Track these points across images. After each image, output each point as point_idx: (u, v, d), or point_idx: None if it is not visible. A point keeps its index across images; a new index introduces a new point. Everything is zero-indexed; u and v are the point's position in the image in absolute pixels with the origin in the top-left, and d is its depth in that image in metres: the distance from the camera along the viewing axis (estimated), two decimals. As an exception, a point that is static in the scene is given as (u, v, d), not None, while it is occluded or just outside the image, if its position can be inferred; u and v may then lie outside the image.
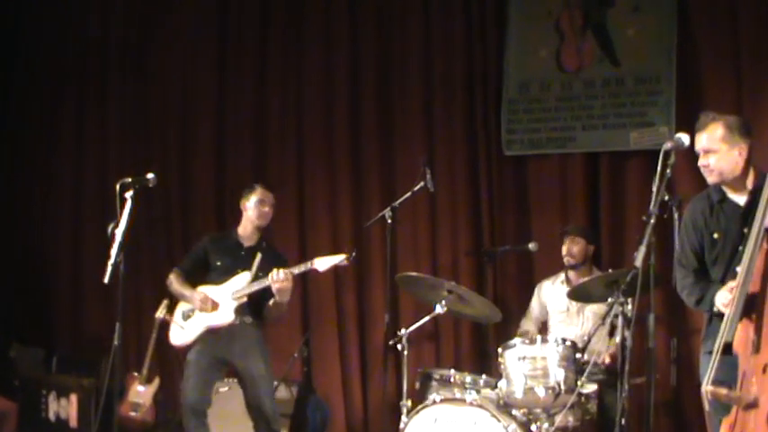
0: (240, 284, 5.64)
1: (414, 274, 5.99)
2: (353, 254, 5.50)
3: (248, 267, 5.68)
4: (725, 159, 4.07)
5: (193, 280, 5.85)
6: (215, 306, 5.64)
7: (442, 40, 7.07)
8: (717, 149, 4.07)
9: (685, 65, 6.31)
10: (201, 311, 5.67)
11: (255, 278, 5.61)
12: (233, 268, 5.73)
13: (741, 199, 4.13)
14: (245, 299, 5.62)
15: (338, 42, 7.40)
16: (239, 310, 5.62)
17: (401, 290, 6.48)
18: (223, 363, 5.78)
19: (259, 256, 5.71)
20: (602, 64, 6.58)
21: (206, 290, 5.73)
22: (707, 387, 3.61)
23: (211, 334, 5.66)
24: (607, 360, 5.70)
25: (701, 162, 4.12)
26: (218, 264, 5.80)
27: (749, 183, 4.12)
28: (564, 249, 6.10)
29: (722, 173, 4.09)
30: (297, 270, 5.48)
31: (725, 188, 4.18)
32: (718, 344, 3.63)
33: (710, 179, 4.14)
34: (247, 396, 5.74)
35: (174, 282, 5.85)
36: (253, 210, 5.78)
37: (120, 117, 8.15)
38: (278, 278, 5.40)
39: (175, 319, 5.87)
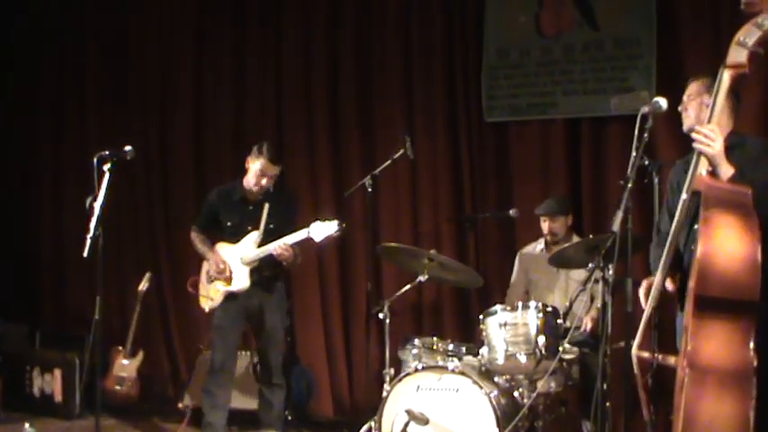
0: (249, 248, 5.76)
1: (394, 244, 5.99)
2: (344, 225, 5.50)
3: (257, 224, 5.79)
4: (701, 110, 4.11)
5: (212, 234, 6.04)
6: (230, 275, 5.80)
7: (421, 7, 7.00)
8: (697, 98, 4.13)
9: (665, 29, 6.28)
10: (217, 280, 5.85)
11: (265, 234, 5.74)
12: (243, 227, 5.85)
13: None
14: (256, 263, 5.74)
15: (316, 10, 7.33)
16: (253, 274, 5.77)
17: (383, 259, 6.48)
18: (244, 318, 5.92)
19: (266, 207, 5.80)
20: (582, 29, 6.54)
21: (223, 250, 5.89)
22: (633, 351, 3.82)
23: (231, 295, 5.83)
24: (589, 325, 5.72)
25: (680, 107, 4.17)
26: (228, 224, 5.93)
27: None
28: (545, 228, 6.10)
29: (696, 121, 4.10)
30: (291, 240, 5.55)
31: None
32: (647, 310, 3.83)
33: (685, 124, 4.16)
34: (258, 345, 5.97)
35: (196, 240, 6.08)
36: (252, 176, 5.83)
37: (99, 89, 8.09)
38: (277, 251, 5.56)
39: (201, 288, 6.05)
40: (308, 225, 5.56)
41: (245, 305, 5.85)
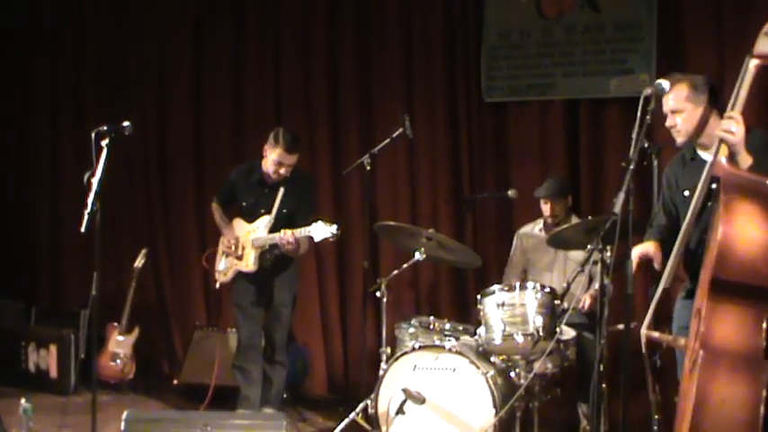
0: (260, 232, 5.83)
1: (392, 223, 5.99)
2: (340, 231, 5.52)
3: (270, 208, 5.85)
4: (690, 119, 4.14)
5: (232, 210, 6.18)
6: (241, 253, 5.89)
7: (422, -14, 6.99)
8: (682, 109, 4.13)
9: (666, 11, 6.26)
10: (229, 255, 5.96)
11: (277, 219, 5.82)
12: (257, 209, 5.93)
13: (710, 155, 4.14)
14: (266, 247, 5.81)
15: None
16: (263, 257, 5.83)
17: (381, 237, 6.47)
18: (261, 293, 5.97)
19: (281, 192, 5.86)
20: (583, 10, 6.52)
21: (238, 227, 6.03)
22: (643, 330, 3.85)
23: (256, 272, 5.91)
24: (588, 302, 5.70)
25: (668, 123, 4.18)
26: (244, 204, 6.03)
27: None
28: (546, 210, 6.08)
29: (688, 132, 4.15)
30: (297, 234, 5.60)
31: (697, 147, 4.24)
32: (658, 291, 3.87)
33: (678, 140, 4.20)
34: (265, 321, 6.00)
35: (215, 212, 6.22)
36: (270, 165, 5.88)
37: (97, 65, 8.06)
38: (282, 241, 5.62)
39: (216, 262, 6.15)
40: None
41: (256, 280, 5.92)
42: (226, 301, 7.30)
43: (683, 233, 3.81)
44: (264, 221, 5.84)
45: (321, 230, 5.47)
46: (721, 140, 3.71)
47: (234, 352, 6.21)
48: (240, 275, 5.96)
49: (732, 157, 3.71)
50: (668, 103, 4.14)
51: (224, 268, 6.06)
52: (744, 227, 3.43)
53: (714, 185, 3.73)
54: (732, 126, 3.68)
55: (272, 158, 5.82)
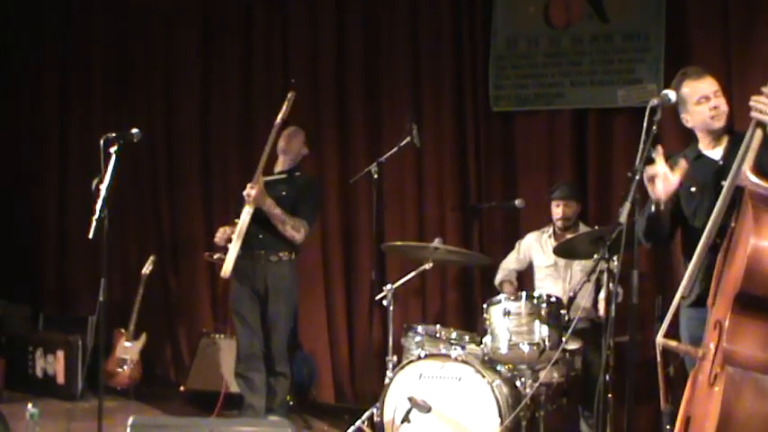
0: (240, 224, 5.69)
1: (399, 243, 5.99)
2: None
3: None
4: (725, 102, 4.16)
5: None
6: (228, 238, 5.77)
7: (430, -5, 7.01)
8: (721, 92, 4.14)
9: (674, 22, 6.27)
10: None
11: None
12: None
13: (716, 153, 4.18)
14: (239, 243, 5.64)
15: (325, -2, 7.34)
16: (240, 257, 5.67)
17: (388, 255, 6.48)
18: (256, 301, 5.91)
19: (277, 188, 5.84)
20: (591, 20, 6.53)
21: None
22: (659, 339, 3.74)
23: (243, 276, 5.83)
24: (602, 305, 5.61)
25: (713, 102, 4.13)
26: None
27: (724, 139, 4.19)
28: (558, 213, 6.06)
29: (726, 117, 4.14)
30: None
31: (701, 146, 4.23)
32: (676, 298, 3.76)
33: (719, 123, 4.15)
34: (263, 333, 5.91)
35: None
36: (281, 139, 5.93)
37: (105, 72, 8.09)
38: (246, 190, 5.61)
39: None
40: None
41: (253, 287, 5.88)
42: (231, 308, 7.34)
43: (704, 239, 3.73)
44: (245, 212, 5.71)
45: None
46: (749, 144, 3.64)
47: (235, 360, 6.18)
48: (238, 280, 5.88)
49: (765, 144, 3.66)
50: (710, 85, 4.14)
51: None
52: None
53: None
54: (765, 100, 3.62)
55: (285, 134, 5.97)
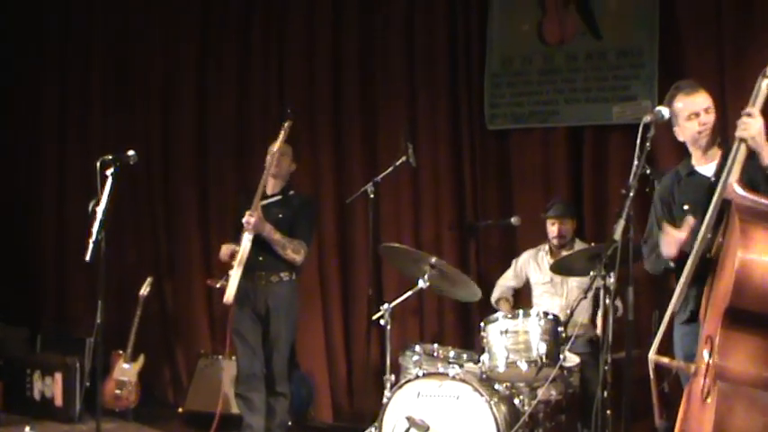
0: (242, 251, 5.66)
1: (397, 245, 5.98)
2: None
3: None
4: (714, 121, 4.16)
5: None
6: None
7: (425, 13, 7.01)
8: (712, 107, 4.15)
9: (667, 38, 6.28)
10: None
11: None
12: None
13: (709, 170, 4.18)
14: (241, 269, 5.61)
15: (321, 15, 7.34)
16: (242, 283, 5.64)
17: (385, 265, 6.48)
18: (259, 321, 5.89)
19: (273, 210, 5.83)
20: (585, 37, 6.55)
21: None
22: (651, 356, 3.72)
23: (245, 297, 5.78)
24: (600, 324, 5.59)
25: (703, 119, 4.13)
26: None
27: (717, 154, 4.18)
28: (554, 231, 6.07)
29: (712, 133, 4.15)
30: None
31: (693, 162, 4.24)
32: (667, 314, 3.76)
33: (704, 140, 4.16)
34: (264, 352, 5.89)
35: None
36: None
37: (103, 91, 8.11)
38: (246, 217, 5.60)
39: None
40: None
41: (254, 308, 5.87)
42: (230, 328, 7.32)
43: (693, 255, 3.73)
44: (245, 238, 5.69)
45: None
46: (734, 158, 3.67)
47: (235, 380, 6.15)
48: (240, 302, 5.82)
49: (758, 153, 3.68)
50: (702, 101, 4.14)
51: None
52: (762, 254, 3.36)
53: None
54: (746, 120, 3.66)
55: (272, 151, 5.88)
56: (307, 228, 5.95)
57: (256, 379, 5.89)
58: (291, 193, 6.02)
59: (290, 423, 6.31)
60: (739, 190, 3.62)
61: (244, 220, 5.61)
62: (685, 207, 4.15)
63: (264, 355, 5.90)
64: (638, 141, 3.76)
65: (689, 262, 3.73)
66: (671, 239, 3.98)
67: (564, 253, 5.97)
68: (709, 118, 4.15)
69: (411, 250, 5.91)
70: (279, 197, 5.97)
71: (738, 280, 3.35)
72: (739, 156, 3.66)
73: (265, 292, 5.84)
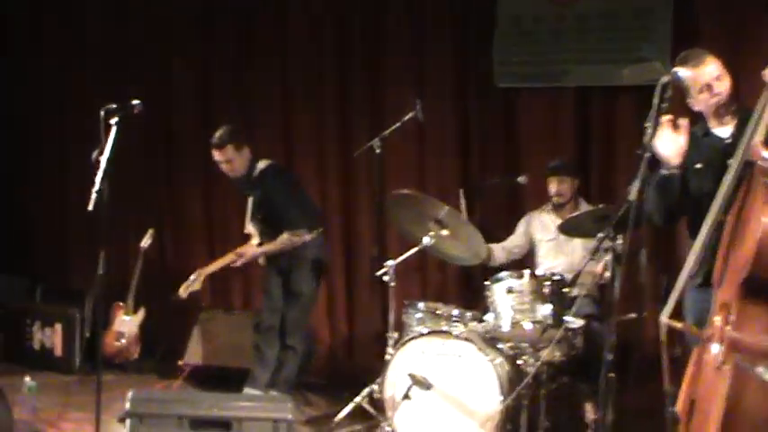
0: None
1: (407, 191, 5.79)
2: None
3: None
4: (728, 88, 4.10)
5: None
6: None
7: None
8: (725, 75, 4.09)
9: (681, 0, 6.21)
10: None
11: (260, 228, 6.12)
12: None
13: (725, 131, 4.14)
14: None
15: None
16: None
17: (389, 222, 6.42)
18: (282, 284, 6.12)
19: (250, 201, 6.12)
20: (597, -3, 6.48)
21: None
22: (663, 319, 3.64)
23: (273, 256, 6.09)
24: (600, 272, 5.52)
25: (715, 89, 4.08)
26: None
27: (734, 117, 4.13)
28: (552, 189, 6.01)
29: (726, 100, 4.10)
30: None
31: (710, 124, 4.19)
32: (682, 277, 3.66)
33: (724, 107, 4.12)
34: (284, 307, 6.10)
35: None
36: None
37: (102, 42, 8.04)
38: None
39: None
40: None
41: (278, 266, 6.07)
42: (231, 282, 7.31)
43: (710, 219, 3.63)
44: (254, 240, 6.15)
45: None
46: (758, 119, 3.57)
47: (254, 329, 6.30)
48: (268, 261, 6.13)
49: None
50: (708, 74, 4.07)
51: None
52: None
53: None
54: None
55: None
56: (285, 209, 5.99)
57: (272, 334, 6.07)
58: (255, 174, 6.06)
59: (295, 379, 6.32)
60: (765, 152, 3.52)
61: (233, 258, 6.10)
62: (697, 166, 4.10)
63: (283, 310, 6.08)
64: (656, 101, 3.67)
65: (705, 225, 3.65)
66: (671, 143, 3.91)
67: (566, 213, 5.91)
68: (723, 85, 4.09)
69: (423, 197, 5.74)
70: (246, 183, 6.09)
71: (761, 247, 3.26)
72: (765, 115, 3.56)
73: (289, 254, 6.02)
